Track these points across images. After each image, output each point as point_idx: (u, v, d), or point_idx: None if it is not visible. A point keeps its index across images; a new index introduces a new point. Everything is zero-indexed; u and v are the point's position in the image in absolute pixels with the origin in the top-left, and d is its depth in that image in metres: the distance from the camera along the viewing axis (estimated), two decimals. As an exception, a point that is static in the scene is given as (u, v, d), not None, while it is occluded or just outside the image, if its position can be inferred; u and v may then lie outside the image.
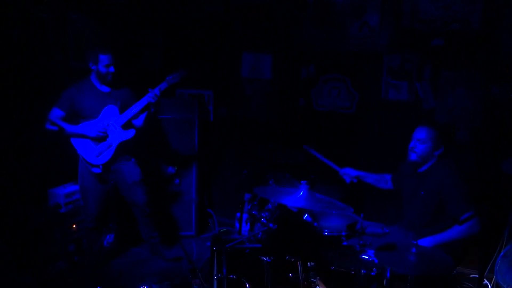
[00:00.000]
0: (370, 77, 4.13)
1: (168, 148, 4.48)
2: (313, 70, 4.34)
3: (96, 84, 3.63)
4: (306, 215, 2.78)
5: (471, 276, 3.59)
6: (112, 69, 3.57)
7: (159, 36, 4.98)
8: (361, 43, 4.08)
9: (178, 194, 4.55)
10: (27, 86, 3.73)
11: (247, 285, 2.60)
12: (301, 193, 2.57)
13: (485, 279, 3.17)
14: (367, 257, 2.44)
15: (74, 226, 3.99)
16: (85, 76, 3.66)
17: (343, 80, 4.24)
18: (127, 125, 3.70)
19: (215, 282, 2.63)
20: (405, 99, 3.99)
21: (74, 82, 3.62)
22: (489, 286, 3.22)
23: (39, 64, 3.84)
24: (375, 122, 4.17)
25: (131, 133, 3.70)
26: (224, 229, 4.49)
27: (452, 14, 3.72)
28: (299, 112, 4.50)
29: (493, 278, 3.05)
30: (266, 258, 2.47)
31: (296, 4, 4.29)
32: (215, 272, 2.64)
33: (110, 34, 4.46)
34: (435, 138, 2.96)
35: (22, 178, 3.71)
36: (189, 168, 4.55)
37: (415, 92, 3.95)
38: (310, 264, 2.73)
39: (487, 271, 3.20)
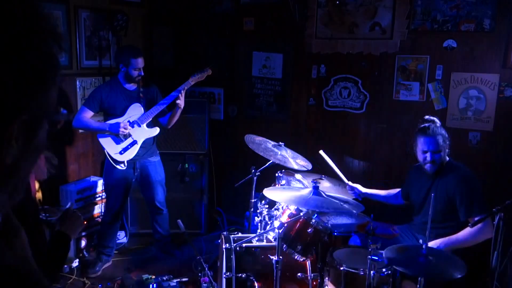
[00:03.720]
0: (381, 78, 4.11)
1: (179, 146, 4.50)
2: (324, 70, 4.33)
3: (123, 82, 3.69)
4: (316, 215, 2.78)
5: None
6: (141, 73, 3.63)
7: (170, 34, 5.00)
8: (372, 43, 4.06)
9: (188, 192, 4.57)
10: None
11: (256, 284, 2.61)
12: (311, 194, 2.57)
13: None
14: (376, 258, 2.43)
15: (85, 222, 4.02)
16: (112, 76, 3.73)
17: (354, 80, 4.23)
18: (152, 123, 3.75)
19: (224, 280, 2.65)
20: (417, 100, 3.97)
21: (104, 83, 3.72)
22: None
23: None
24: (386, 123, 4.14)
25: (156, 130, 3.74)
26: (233, 228, 4.49)
27: (464, 15, 3.69)
28: (309, 112, 4.49)
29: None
30: (275, 257, 2.48)
31: (307, 3, 4.28)
32: (224, 270, 2.65)
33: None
34: (446, 140, 2.90)
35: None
36: (199, 166, 4.57)
37: (426, 93, 3.93)
38: (319, 264, 2.74)
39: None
